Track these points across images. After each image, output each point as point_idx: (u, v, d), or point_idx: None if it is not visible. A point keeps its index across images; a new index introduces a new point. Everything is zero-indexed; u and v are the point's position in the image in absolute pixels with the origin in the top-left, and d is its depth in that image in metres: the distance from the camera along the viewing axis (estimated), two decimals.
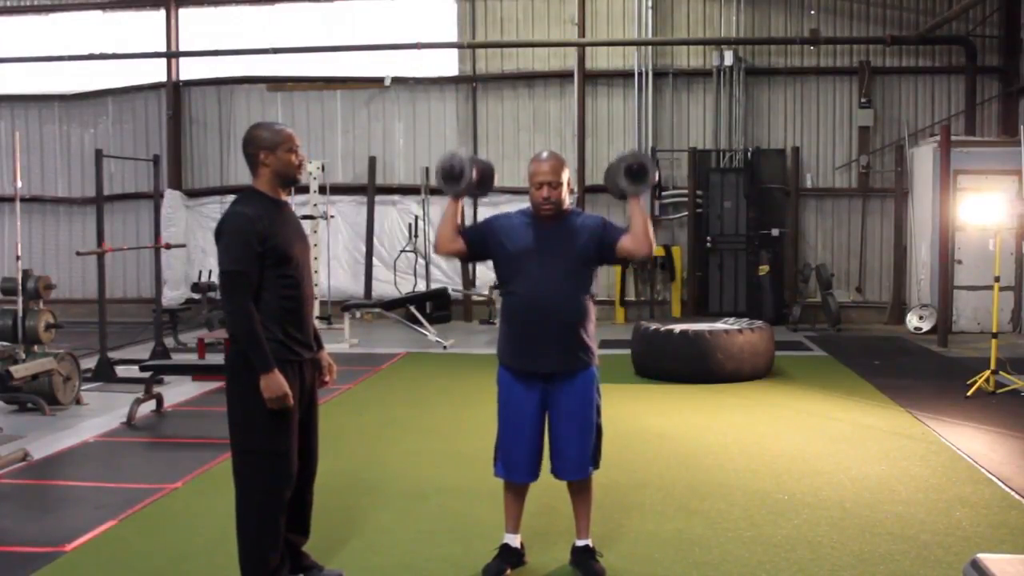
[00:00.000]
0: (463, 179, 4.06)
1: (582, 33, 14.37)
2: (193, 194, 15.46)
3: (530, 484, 4.22)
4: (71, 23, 15.76)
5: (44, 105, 15.93)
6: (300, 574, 4.00)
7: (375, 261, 14.75)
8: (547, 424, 4.14)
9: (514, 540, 4.24)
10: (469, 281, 14.66)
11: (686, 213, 14.14)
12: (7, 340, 7.84)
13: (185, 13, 15.51)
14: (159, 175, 10.76)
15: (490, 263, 4.25)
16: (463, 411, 7.76)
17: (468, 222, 14.88)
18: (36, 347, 7.93)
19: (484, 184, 4.21)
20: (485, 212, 14.56)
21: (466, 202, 16.05)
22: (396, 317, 12.88)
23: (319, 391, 4.05)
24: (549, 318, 4.01)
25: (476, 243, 4.17)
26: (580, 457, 4.13)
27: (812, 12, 14.07)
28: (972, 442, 6.59)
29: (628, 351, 9.67)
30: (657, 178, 4.05)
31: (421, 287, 14.45)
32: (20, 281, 7.85)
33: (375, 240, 14.80)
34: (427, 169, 14.82)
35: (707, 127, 14.33)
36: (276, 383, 3.61)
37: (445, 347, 11.43)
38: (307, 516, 4.03)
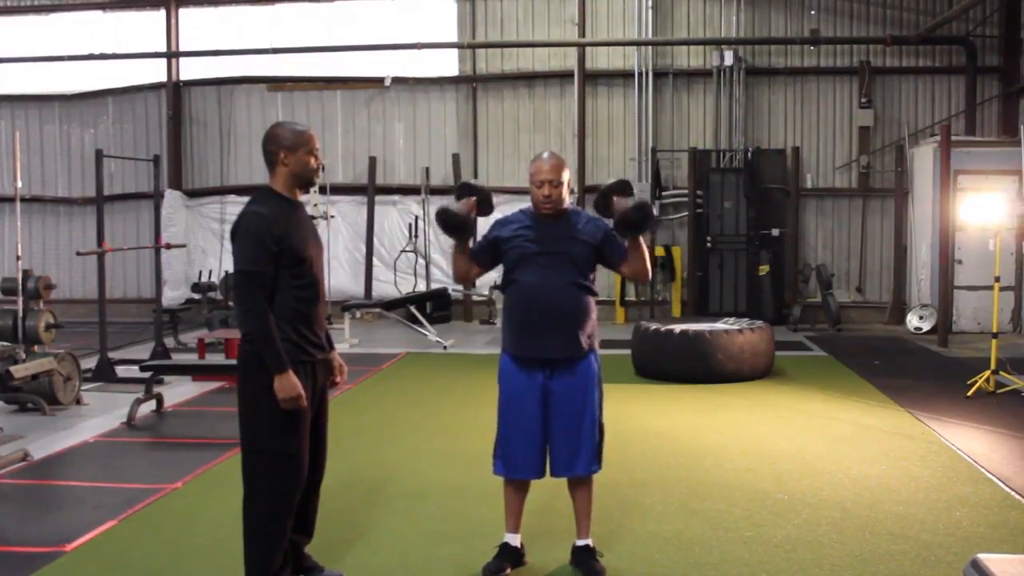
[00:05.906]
0: (466, 228, 4.14)
1: (582, 33, 14.36)
2: (193, 194, 15.47)
3: (530, 482, 4.23)
4: (71, 23, 15.77)
5: (44, 105, 15.93)
6: (301, 575, 4.00)
7: (375, 261, 14.76)
8: (549, 423, 4.13)
9: (514, 539, 4.24)
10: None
11: (686, 213, 14.14)
12: (7, 340, 7.83)
13: (185, 13, 15.52)
14: (159, 175, 10.76)
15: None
16: (463, 411, 7.76)
17: None
18: (36, 347, 7.94)
19: (484, 207, 4.25)
20: None
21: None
22: (396, 317, 12.88)
23: (329, 391, 4.04)
24: (550, 311, 4.06)
25: (489, 259, 4.27)
26: (584, 452, 4.13)
27: (812, 12, 14.07)
28: (972, 442, 6.59)
29: (628, 351, 9.67)
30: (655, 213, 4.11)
31: (421, 287, 14.46)
32: (20, 281, 7.85)
33: (375, 240, 14.80)
34: (427, 169, 14.83)
35: (707, 127, 14.32)
36: (290, 383, 3.61)
37: (445, 347, 11.43)
38: (312, 518, 4.02)
